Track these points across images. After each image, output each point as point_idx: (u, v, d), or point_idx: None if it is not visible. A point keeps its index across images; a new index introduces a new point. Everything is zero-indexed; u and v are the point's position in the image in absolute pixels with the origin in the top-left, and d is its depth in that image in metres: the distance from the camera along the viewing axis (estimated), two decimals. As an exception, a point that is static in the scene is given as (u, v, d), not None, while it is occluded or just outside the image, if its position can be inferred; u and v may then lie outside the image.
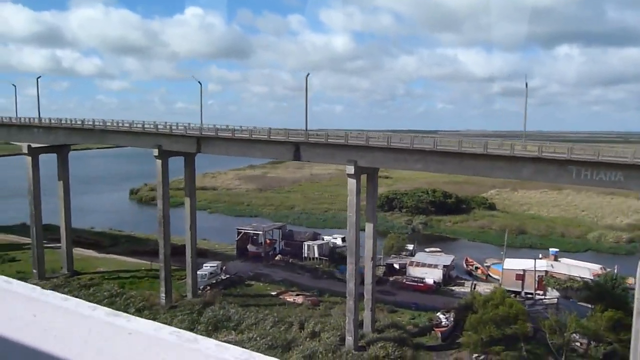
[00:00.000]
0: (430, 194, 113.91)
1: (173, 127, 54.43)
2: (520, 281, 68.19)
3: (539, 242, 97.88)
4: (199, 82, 62.04)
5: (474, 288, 68.00)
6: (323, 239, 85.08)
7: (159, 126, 55.29)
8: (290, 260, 78.40)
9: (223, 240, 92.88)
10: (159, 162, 58.04)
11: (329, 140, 46.95)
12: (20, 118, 66.89)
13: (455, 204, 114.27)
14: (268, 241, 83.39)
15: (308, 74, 49.70)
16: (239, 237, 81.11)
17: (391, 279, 71.40)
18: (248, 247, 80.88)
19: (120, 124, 58.06)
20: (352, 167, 46.43)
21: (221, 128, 52.80)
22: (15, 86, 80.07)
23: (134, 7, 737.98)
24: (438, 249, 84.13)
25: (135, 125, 57.20)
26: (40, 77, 67.09)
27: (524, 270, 68.11)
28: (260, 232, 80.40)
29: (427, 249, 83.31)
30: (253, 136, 50.03)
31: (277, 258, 79.14)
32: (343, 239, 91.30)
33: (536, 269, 67.34)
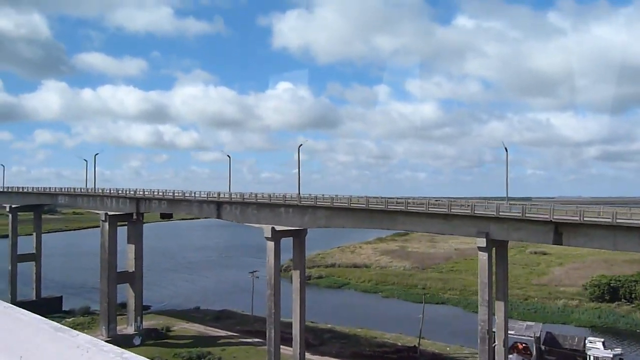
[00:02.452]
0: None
1: (527, 211, 39.55)
2: None
3: None
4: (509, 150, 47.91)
5: None
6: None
7: (501, 210, 40.67)
8: (572, 377, 60.14)
9: (440, 337, 75.95)
10: (483, 255, 43.37)
11: None
12: (269, 195, 55.22)
13: None
14: (521, 346, 65.83)
15: None
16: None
17: None
18: (510, 357, 63.30)
19: (432, 205, 43.98)
20: None
21: (620, 210, 37.48)
22: (230, 157, 70.58)
23: (231, 84, 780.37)
24: None
25: (457, 205, 43.10)
26: (301, 145, 56.05)
27: None
28: (532, 338, 62.91)
29: None
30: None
31: (551, 373, 60.98)
32: (604, 344, 72.10)
33: None
